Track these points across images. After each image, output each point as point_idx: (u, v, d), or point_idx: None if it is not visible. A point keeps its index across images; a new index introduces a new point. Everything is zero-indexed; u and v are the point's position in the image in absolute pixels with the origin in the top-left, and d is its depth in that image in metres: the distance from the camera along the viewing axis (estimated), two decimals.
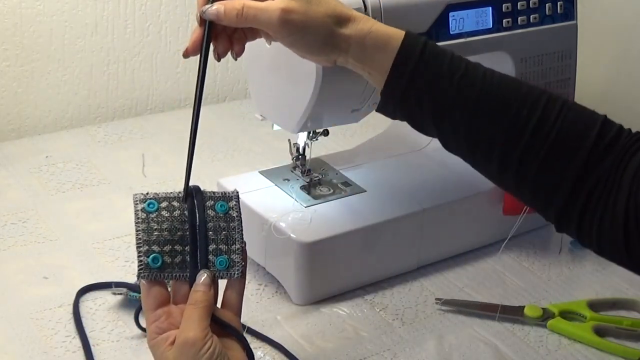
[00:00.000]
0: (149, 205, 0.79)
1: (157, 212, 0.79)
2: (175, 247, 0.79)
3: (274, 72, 1.05)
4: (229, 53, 0.86)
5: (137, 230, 0.78)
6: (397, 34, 0.83)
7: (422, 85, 0.82)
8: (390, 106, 0.85)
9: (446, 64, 0.83)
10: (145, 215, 0.78)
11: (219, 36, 0.84)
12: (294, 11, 0.81)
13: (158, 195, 0.80)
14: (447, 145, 0.86)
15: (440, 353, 1.02)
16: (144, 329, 0.99)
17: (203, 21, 0.82)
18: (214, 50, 0.84)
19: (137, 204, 0.79)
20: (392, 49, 0.82)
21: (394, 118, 0.87)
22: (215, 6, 0.81)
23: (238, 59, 0.88)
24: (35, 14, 1.43)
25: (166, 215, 0.79)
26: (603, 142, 0.80)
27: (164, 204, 0.79)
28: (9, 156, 1.39)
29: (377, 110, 0.88)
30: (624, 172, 0.78)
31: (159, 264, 0.78)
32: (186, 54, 0.83)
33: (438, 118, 0.83)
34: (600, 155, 0.79)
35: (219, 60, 0.84)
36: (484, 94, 0.82)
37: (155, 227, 0.78)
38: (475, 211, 1.18)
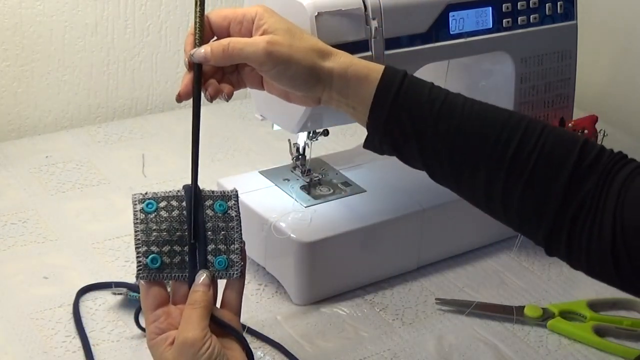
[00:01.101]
0: (147, 205, 0.79)
1: (155, 213, 0.79)
2: (174, 247, 0.78)
3: None
4: (220, 95, 0.87)
5: (135, 231, 0.78)
6: (377, 67, 0.85)
7: (403, 115, 0.83)
8: (376, 139, 0.86)
9: (426, 94, 0.83)
10: (144, 215, 0.78)
11: (209, 79, 0.86)
12: (278, 43, 0.83)
13: (157, 195, 0.79)
14: (433, 175, 0.86)
15: (440, 353, 1.02)
16: (144, 329, 0.99)
17: (192, 65, 0.84)
18: (206, 93, 0.85)
19: (135, 204, 0.79)
20: (373, 81, 0.84)
21: (381, 153, 0.88)
22: (203, 49, 0.83)
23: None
24: (35, 14, 1.43)
25: (165, 215, 0.79)
26: (584, 162, 0.80)
27: (162, 204, 0.79)
28: (9, 156, 1.39)
29: (364, 146, 0.88)
30: (608, 191, 0.78)
31: (157, 264, 0.78)
32: (179, 99, 0.84)
33: (421, 147, 0.84)
34: (582, 176, 0.79)
35: (211, 101, 0.86)
36: (465, 121, 0.83)
37: (154, 227, 0.78)
38: (475, 211, 1.17)
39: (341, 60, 0.85)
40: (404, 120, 0.83)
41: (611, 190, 0.78)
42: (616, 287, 0.82)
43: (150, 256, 0.78)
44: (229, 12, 0.86)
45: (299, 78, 0.84)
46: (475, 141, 0.82)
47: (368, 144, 0.88)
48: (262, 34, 0.84)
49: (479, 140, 0.82)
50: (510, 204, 0.82)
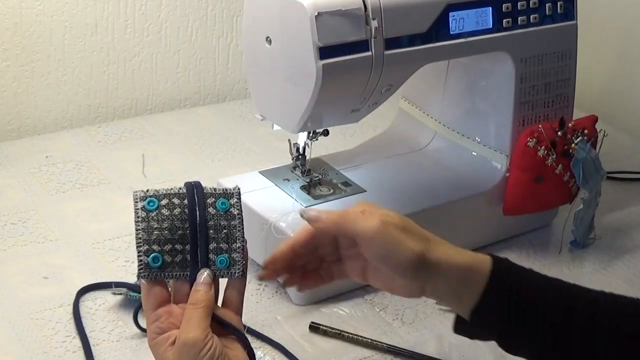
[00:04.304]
0: (149, 203, 0.78)
1: (157, 211, 0.78)
2: (176, 246, 0.78)
3: (273, 72, 1.04)
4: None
5: (137, 230, 0.78)
6: (481, 258, 0.84)
7: (518, 312, 0.82)
8: (477, 328, 0.84)
9: (543, 297, 0.83)
10: (145, 214, 0.78)
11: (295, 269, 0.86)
12: (392, 224, 0.81)
13: (158, 192, 0.79)
14: None
15: (440, 353, 1.02)
16: (143, 329, 0.99)
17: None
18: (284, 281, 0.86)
19: (137, 202, 0.78)
20: (482, 274, 0.82)
21: (477, 339, 0.87)
22: (313, 211, 0.83)
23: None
24: (35, 14, 1.43)
25: (166, 213, 0.78)
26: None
27: (164, 202, 0.78)
28: (9, 156, 1.39)
29: (455, 331, 0.86)
30: None
31: (159, 263, 0.77)
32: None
33: (532, 345, 0.83)
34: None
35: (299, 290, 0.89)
36: (586, 342, 0.82)
37: (156, 225, 0.78)
38: (475, 211, 1.18)
39: (444, 250, 0.83)
40: (519, 317, 0.82)
41: None
42: None
43: (152, 255, 0.77)
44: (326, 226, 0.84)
45: (406, 263, 0.81)
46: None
47: (462, 331, 0.86)
48: None
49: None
50: None
